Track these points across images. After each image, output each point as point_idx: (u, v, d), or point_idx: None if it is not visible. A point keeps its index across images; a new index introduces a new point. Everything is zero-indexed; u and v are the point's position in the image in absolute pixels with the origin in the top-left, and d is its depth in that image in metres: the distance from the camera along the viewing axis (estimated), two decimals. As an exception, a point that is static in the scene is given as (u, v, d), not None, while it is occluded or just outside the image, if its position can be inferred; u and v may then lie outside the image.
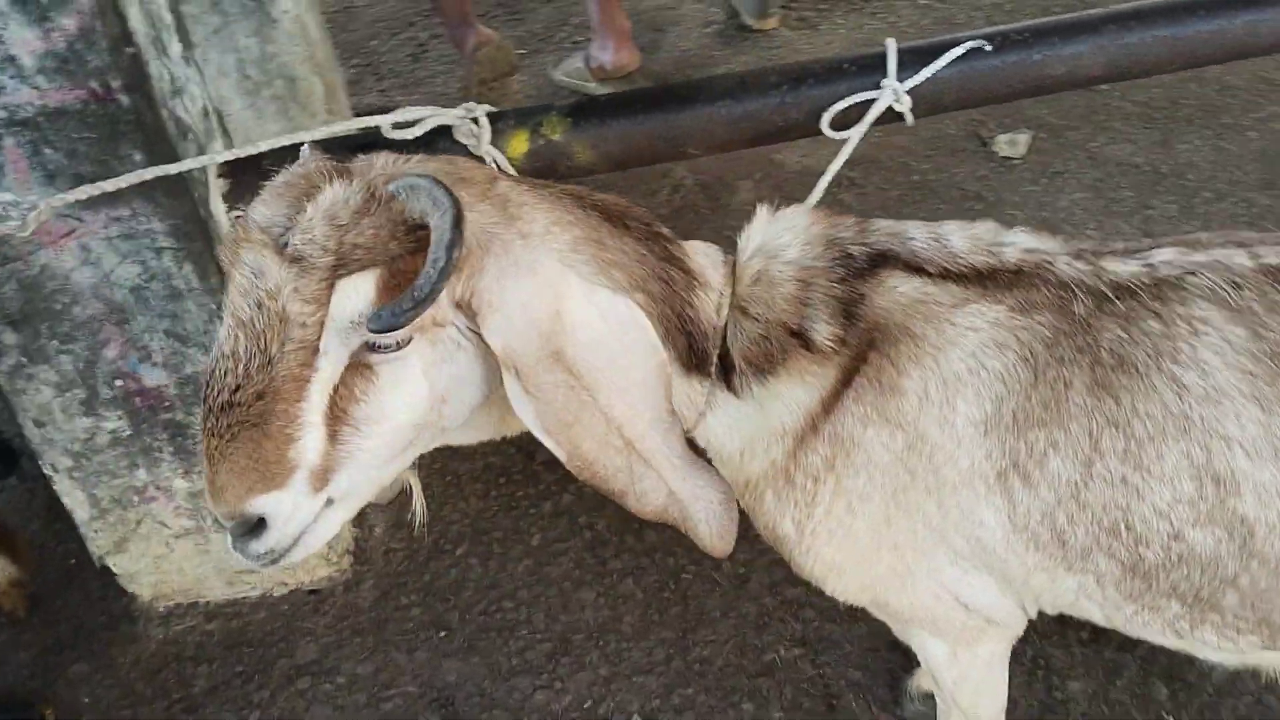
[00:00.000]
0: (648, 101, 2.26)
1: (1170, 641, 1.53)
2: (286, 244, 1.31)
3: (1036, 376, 1.41)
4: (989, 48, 2.26)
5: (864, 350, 1.45)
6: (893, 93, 2.25)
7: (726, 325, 1.51)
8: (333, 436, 1.36)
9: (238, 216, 1.42)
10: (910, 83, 2.25)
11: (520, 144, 2.21)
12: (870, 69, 2.28)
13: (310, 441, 1.35)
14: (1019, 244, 1.49)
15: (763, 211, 1.58)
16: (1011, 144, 3.91)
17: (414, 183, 1.32)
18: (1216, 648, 1.49)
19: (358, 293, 1.33)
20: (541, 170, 2.25)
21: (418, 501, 1.62)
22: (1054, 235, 1.55)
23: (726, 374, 1.52)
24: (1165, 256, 1.43)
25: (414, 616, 2.62)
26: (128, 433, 2.29)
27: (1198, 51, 2.33)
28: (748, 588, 2.60)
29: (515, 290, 1.36)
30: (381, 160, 1.41)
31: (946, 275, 1.46)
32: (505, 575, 2.68)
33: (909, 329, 1.44)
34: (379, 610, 2.64)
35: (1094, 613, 1.52)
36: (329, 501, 1.40)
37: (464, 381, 1.44)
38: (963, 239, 1.50)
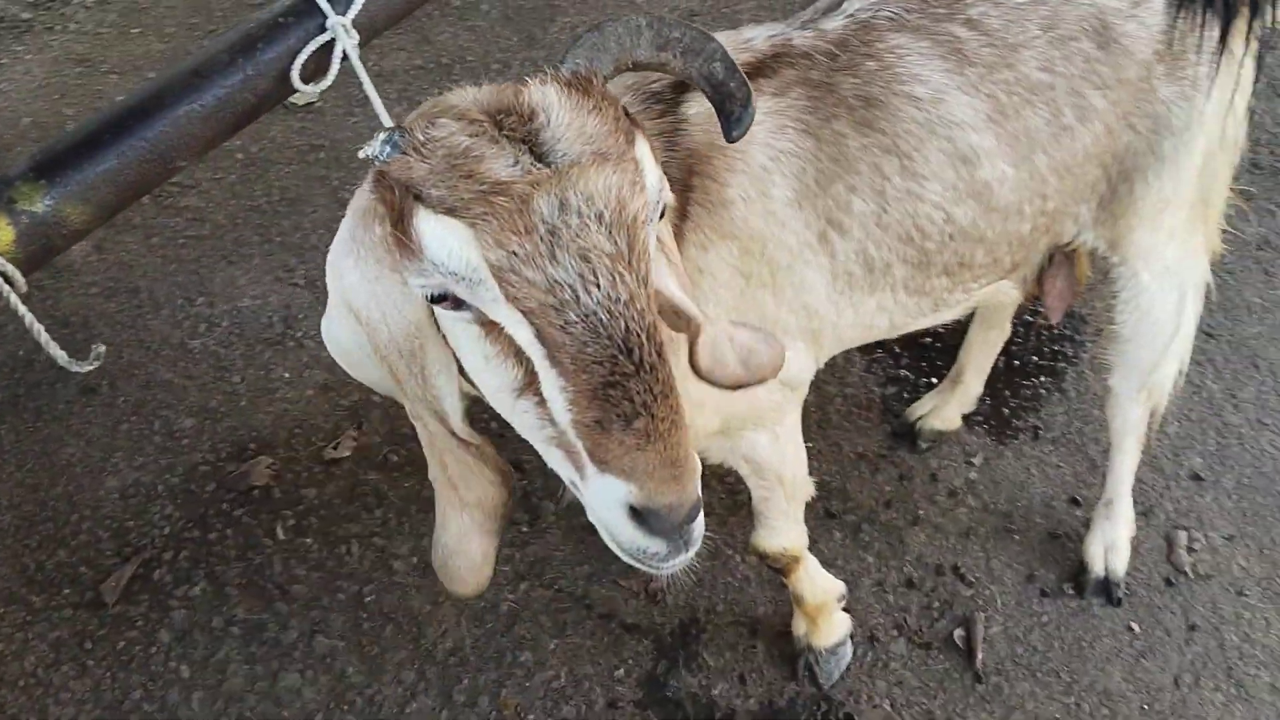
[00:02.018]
0: (113, 127, 1.88)
1: (926, 320, 1.83)
2: (573, 160, 1.12)
3: (818, 139, 1.57)
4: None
5: (688, 178, 1.48)
6: (343, 29, 2.18)
7: None
8: None
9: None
10: (351, 12, 2.19)
11: (3, 233, 1.72)
12: (306, 14, 2.16)
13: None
14: (761, 33, 1.62)
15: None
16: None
17: (605, 32, 1.26)
18: (959, 303, 1.85)
19: (652, 162, 1.18)
20: (41, 253, 1.80)
21: None
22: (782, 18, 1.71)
23: None
24: (858, 4, 1.67)
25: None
26: None
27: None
28: (431, 573, 2.46)
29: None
30: (460, 96, 1.22)
31: None
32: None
33: (713, 143, 1.50)
34: None
35: (882, 325, 1.77)
36: None
37: None
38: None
